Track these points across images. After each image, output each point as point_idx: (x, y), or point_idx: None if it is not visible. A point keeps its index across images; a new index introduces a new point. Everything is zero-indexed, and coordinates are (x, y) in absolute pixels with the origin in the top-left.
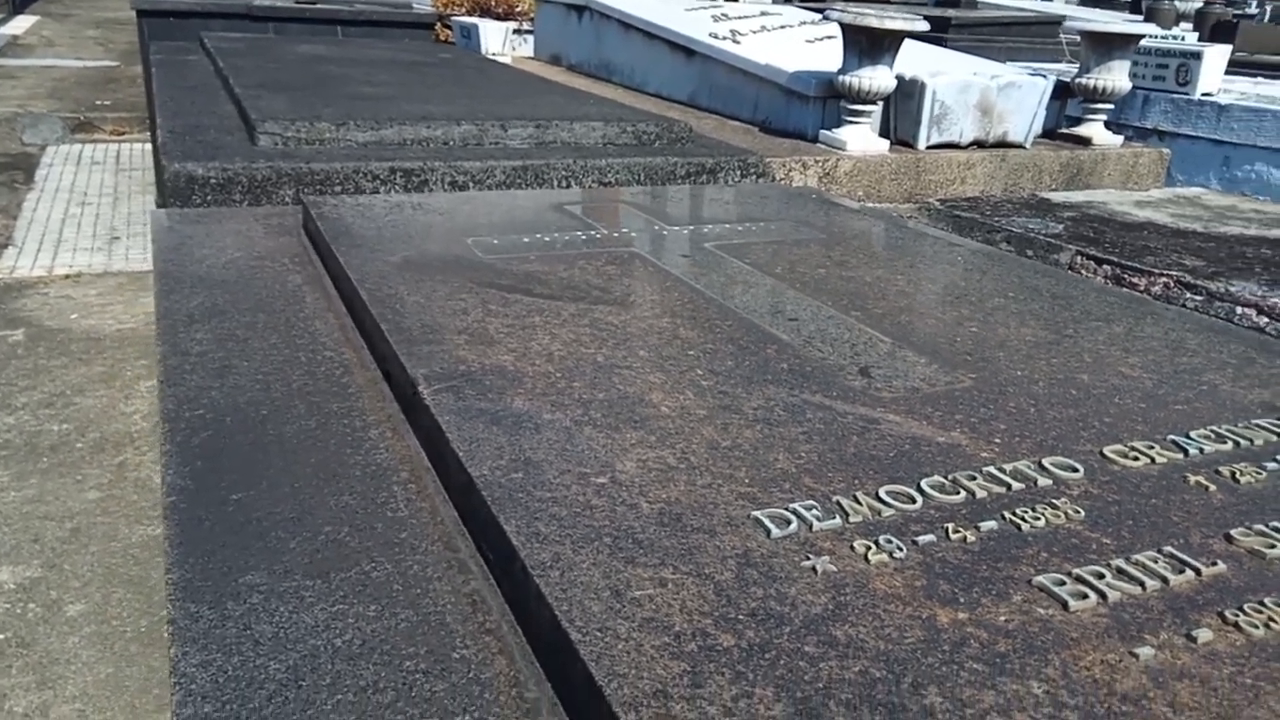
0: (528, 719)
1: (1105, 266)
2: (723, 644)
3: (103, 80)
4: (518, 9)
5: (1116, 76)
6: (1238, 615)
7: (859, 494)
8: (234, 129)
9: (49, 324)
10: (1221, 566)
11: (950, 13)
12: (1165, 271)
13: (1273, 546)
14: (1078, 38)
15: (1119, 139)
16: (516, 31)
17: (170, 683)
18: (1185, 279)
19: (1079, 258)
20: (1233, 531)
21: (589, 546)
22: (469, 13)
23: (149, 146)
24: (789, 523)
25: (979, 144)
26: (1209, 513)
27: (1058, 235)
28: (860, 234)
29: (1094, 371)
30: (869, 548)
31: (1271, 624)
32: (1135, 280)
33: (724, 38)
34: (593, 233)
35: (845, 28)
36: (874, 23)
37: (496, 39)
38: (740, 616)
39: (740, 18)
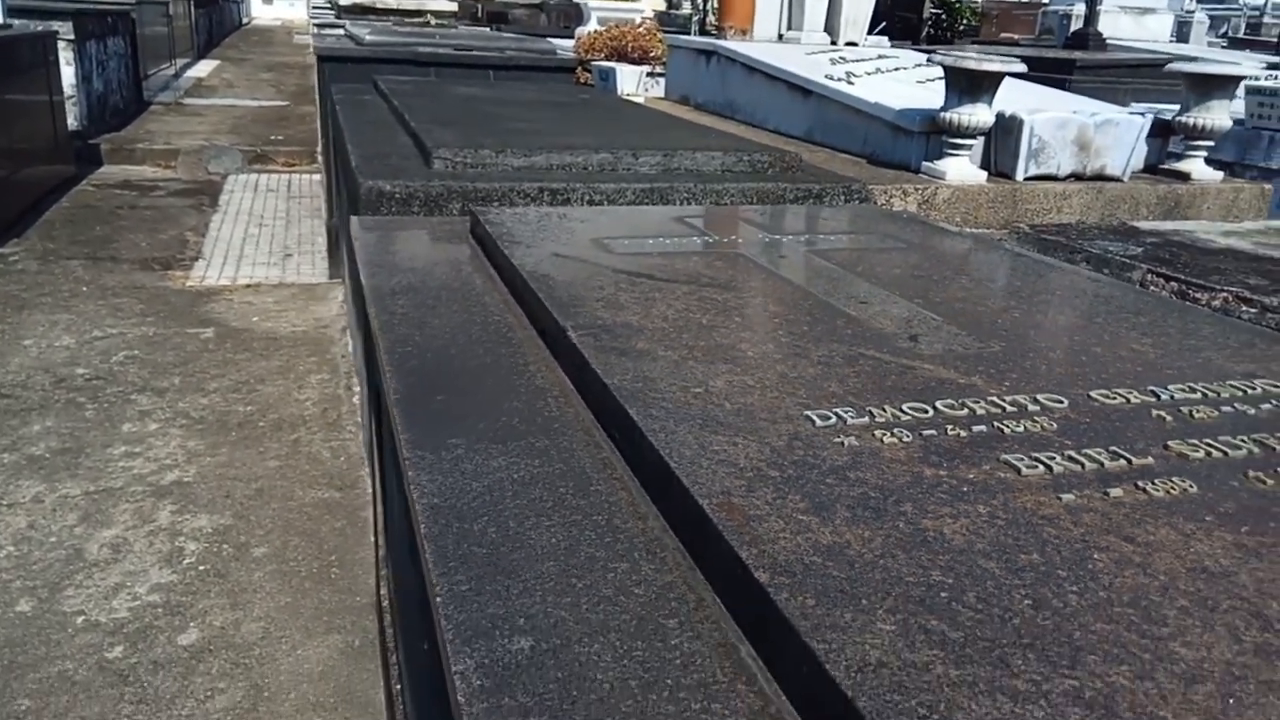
0: (640, 520)
1: (1172, 283)
2: (770, 475)
3: (276, 118)
4: (651, 54)
5: (1216, 115)
6: (1147, 484)
7: (886, 406)
8: (411, 155)
9: (234, 324)
10: (1150, 460)
11: (1076, 54)
12: (1226, 288)
13: (1196, 451)
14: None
15: (1219, 175)
16: (649, 75)
17: (409, 488)
18: (1244, 294)
19: (1149, 275)
20: (1170, 442)
21: (685, 424)
22: (607, 58)
23: (317, 177)
24: (830, 419)
25: (1077, 176)
26: (1158, 432)
27: (1135, 257)
28: (938, 246)
29: (1107, 346)
30: (885, 434)
31: (1171, 491)
32: (1198, 295)
33: (839, 79)
34: (706, 239)
35: (947, 69)
36: (972, 65)
37: (631, 81)
38: (785, 463)
39: (857, 60)
